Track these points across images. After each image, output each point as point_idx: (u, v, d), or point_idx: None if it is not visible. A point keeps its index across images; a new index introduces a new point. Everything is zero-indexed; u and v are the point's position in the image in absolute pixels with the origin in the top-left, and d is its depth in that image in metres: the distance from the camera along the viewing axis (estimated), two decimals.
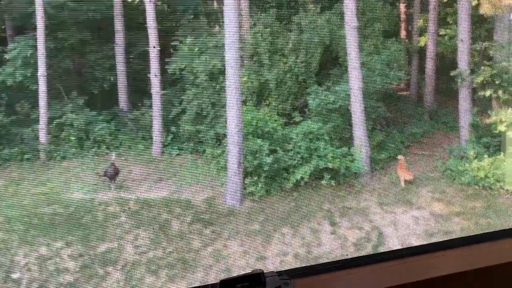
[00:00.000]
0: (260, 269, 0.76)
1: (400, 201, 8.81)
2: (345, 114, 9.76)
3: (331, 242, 8.05)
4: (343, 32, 9.88)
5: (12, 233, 7.54)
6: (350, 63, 9.46)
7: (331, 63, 10.89)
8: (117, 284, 6.83)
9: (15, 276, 6.67)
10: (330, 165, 8.96)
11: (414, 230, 8.25)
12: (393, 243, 7.80)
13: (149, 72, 11.17)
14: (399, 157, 9.42)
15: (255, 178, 9.04)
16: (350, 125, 9.63)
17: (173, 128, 10.86)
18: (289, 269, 0.80)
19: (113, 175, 8.67)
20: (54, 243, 7.35)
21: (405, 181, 9.13)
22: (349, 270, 0.88)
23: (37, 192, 8.62)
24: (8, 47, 11.06)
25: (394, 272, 0.87)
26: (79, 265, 6.91)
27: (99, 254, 7.15)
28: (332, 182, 8.99)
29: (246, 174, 9.06)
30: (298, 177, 8.89)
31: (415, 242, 7.97)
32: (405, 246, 7.78)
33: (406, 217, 8.52)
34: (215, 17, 13.10)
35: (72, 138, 10.38)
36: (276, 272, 0.79)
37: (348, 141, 9.62)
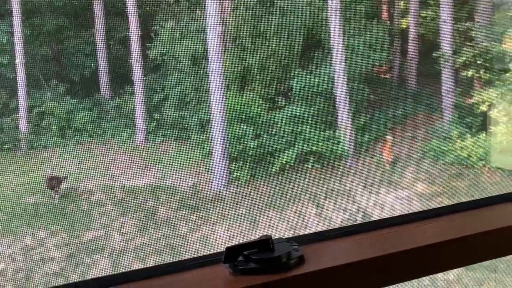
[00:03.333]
0: (268, 235, 0.75)
1: (384, 182, 8.91)
2: (329, 97, 9.77)
3: (317, 224, 8.12)
4: (326, 14, 9.84)
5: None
6: (333, 45, 9.44)
7: (314, 46, 10.85)
8: (104, 271, 6.79)
9: None
10: (314, 149, 9.00)
11: (398, 210, 8.37)
12: None
13: (130, 58, 10.99)
14: (387, 137, 9.45)
15: (241, 163, 9.03)
16: (334, 108, 9.66)
17: (156, 115, 10.74)
18: (297, 235, 0.80)
19: (51, 186, 8.05)
20: (38, 233, 7.26)
21: (389, 162, 9.22)
22: (357, 236, 0.88)
23: (19, 182, 8.48)
24: None
25: (402, 237, 0.88)
26: (65, 254, 6.84)
27: (85, 243, 7.09)
28: (317, 165, 9.03)
29: (231, 159, 9.04)
30: (283, 161, 8.91)
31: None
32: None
33: (391, 197, 8.62)
34: (196, 1, 12.92)
35: (53, 127, 10.20)
36: (286, 238, 0.78)
37: (332, 124, 9.66)
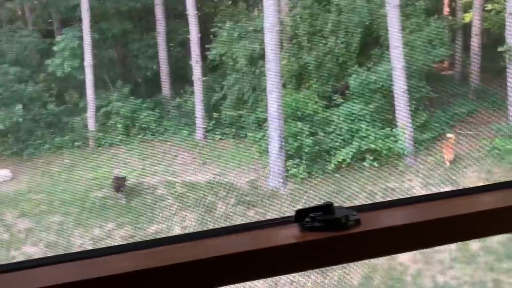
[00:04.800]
0: (330, 201, 0.88)
1: (445, 182, 8.67)
2: (387, 94, 9.63)
3: None
4: (384, 11, 9.71)
5: (67, 216, 7.96)
6: (392, 42, 9.29)
7: (371, 43, 10.73)
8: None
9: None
10: (372, 147, 8.91)
11: None
12: None
13: (190, 59, 11.37)
14: (449, 135, 9.16)
15: (297, 160, 9.10)
16: (393, 105, 9.51)
17: (215, 114, 11.05)
18: (355, 205, 0.92)
19: (117, 187, 8.35)
20: (106, 225, 7.72)
21: (449, 161, 8.94)
22: (411, 205, 0.98)
23: (88, 177, 9.03)
24: (56, 39, 11.52)
25: (446, 208, 0.98)
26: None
27: (149, 235, 7.45)
28: (375, 163, 8.93)
29: (287, 156, 9.14)
30: (340, 159, 8.89)
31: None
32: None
33: None
34: (254, 1, 13.13)
35: (119, 125, 10.75)
36: (344, 207, 0.90)
37: (390, 122, 9.51)
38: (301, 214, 0.90)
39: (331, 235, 0.88)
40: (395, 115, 9.44)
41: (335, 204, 0.95)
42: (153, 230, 7.64)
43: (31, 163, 9.63)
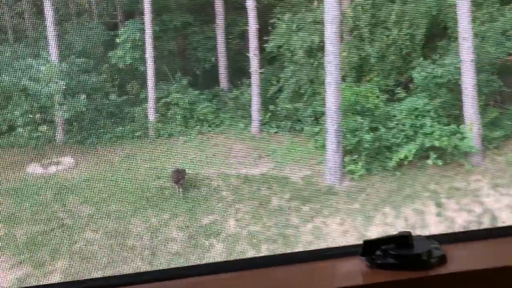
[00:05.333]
0: (407, 231, 0.70)
1: None
2: (455, 89, 9.09)
3: (437, 225, 7.63)
4: (453, 0, 9.15)
5: (126, 204, 8.17)
6: (461, 33, 8.74)
7: (438, 34, 10.17)
8: (219, 255, 7.12)
9: (129, 243, 7.24)
10: (437, 144, 8.45)
11: None
12: None
13: (248, 51, 11.31)
14: None
15: (355, 156, 8.82)
16: (460, 100, 8.95)
17: (271, 107, 10.94)
18: (437, 234, 0.73)
19: (177, 180, 8.35)
20: (162, 215, 7.84)
21: None
22: (504, 239, 0.78)
23: (147, 167, 9.22)
24: (119, 31, 11.85)
25: None
26: (185, 236, 7.30)
27: (203, 226, 7.49)
28: (439, 161, 8.47)
29: (345, 152, 8.87)
30: (402, 156, 8.50)
31: None
32: None
33: None
34: None
35: (178, 116, 10.91)
36: (426, 236, 0.72)
37: (457, 118, 8.97)
38: (370, 246, 0.72)
39: (410, 276, 0.68)
40: (463, 111, 8.90)
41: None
42: (207, 221, 7.67)
43: (93, 152, 9.98)
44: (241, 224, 7.57)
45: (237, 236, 7.32)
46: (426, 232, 7.47)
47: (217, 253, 7.15)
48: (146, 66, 11.13)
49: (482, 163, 8.55)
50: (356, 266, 0.69)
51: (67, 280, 6.49)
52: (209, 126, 10.87)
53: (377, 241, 0.67)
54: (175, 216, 7.77)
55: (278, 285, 0.68)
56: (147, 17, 11.02)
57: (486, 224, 7.41)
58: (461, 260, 0.68)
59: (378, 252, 0.68)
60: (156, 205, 8.11)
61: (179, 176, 8.36)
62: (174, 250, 7.09)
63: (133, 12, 12.54)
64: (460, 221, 7.64)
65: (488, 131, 8.87)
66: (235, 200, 8.08)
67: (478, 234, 0.77)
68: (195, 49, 13.03)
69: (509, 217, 7.56)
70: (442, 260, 0.67)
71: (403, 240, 0.67)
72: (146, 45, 11.06)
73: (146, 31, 11.06)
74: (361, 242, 0.66)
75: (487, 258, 0.73)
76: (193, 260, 6.96)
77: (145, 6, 11.06)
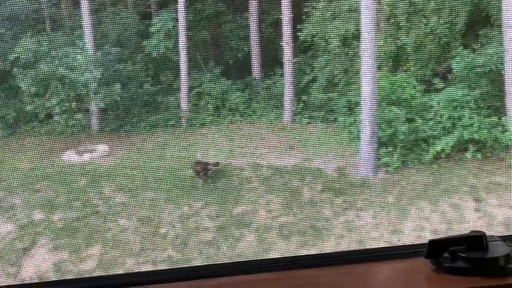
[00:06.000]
0: (481, 231, 0.61)
1: None
2: (497, 79, 8.71)
3: (476, 221, 7.37)
4: None
5: (159, 192, 8.24)
6: (505, 21, 8.34)
7: (479, 22, 9.75)
8: (250, 245, 7.10)
9: (162, 231, 7.31)
10: (476, 136, 8.14)
11: None
12: None
13: (281, 41, 11.17)
14: None
15: (390, 148, 8.60)
16: (502, 91, 8.58)
17: (304, 97, 10.79)
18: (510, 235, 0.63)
19: (199, 172, 8.27)
20: (195, 203, 7.87)
21: None
22: None
23: (180, 155, 9.27)
24: (152, 20, 11.91)
25: None
26: (217, 225, 7.31)
27: (235, 216, 7.48)
28: (478, 155, 8.16)
29: (380, 144, 8.66)
30: (439, 148, 8.23)
31: None
32: None
33: None
34: None
35: (210, 106, 10.91)
36: (501, 236, 0.63)
37: (499, 109, 8.61)
38: (436, 247, 0.63)
39: (486, 283, 0.58)
40: (505, 103, 8.52)
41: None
42: (238, 211, 7.66)
43: (127, 140, 10.11)
44: (272, 215, 7.52)
45: (268, 227, 7.28)
46: (463, 228, 7.23)
47: (248, 243, 7.12)
48: (179, 56, 11.17)
49: None
50: (419, 269, 0.60)
51: (100, 270, 6.62)
52: (241, 116, 10.83)
53: (444, 242, 0.58)
54: (206, 205, 7.79)
55: None
56: (181, 6, 11.02)
57: None
58: None
59: (445, 254, 0.59)
60: (188, 193, 8.15)
61: (199, 167, 8.31)
62: (206, 239, 7.11)
63: (167, 2, 12.57)
64: (501, 218, 7.35)
65: None
66: (267, 190, 8.02)
67: None
68: (227, 38, 12.98)
69: None
70: None
71: (476, 241, 0.58)
72: (179, 34, 11.08)
73: (179, 20, 11.06)
74: (426, 241, 0.58)
75: None
76: (224, 249, 6.97)
77: None
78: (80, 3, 11.04)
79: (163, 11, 11.90)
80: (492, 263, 0.57)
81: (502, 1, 8.43)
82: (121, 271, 6.63)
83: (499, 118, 8.41)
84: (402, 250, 0.62)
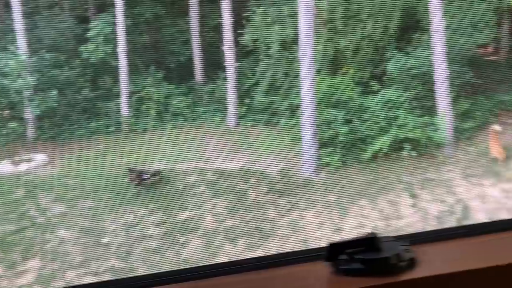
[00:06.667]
0: (374, 232, 0.66)
1: (488, 173, 8.25)
2: (428, 81, 9.22)
3: (412, 215, 7.75)
4: None
5: (100, 201, 8.02)
6: (433, 26, 8.85)
7: (412, 27, 10.28)
8: (196, 251, 7.07)
9: (104, 240, 7.12)
10: (410, 135, 8.57)
11: (504, 204, 7.72)
12: (481, 218, 7.36)
13: (222, 45, 11.23)
14: (494, 127, 8.53)
15: (331, 149, 8.87)
16: (433, 92, 9.09)
17: (247, 100, 10.90)
18: (406, 234, 0.69)
19: (133, 180, 8.10)
20: (138, 211, 7.74)
21: (502, 159, 8.26)
22: (476, 238, 0.74)
23: (121, 162, 9.07)
24: (90, 25, 11.58)
25: None
26: (162, 232, 7.23)
27: (180, 222, 7.42)
28: (413, 153, 8.60)
29: (321, 144, 8.91)
30: (377, 148, 8.59)
31: (505, 217, 7.45)
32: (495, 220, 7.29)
33: (495, 190, 7.97)
34: None
35: (152, 111, 10.76)
36: (395, 236, 0.68)
37: (430, 109, 9.11)
38: (335, 250, 0.67)
39: (377, 282, 0.62)
40: (436, 103, 9.03)
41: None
42: (184, 217, 7.61)
43: (66, 148, 9.77)
44: (218, 219, 7.54)
45: (214, 231, 7.29)
46: (401, 224, 7.59)
47: (194, 248, 7.10)
48: (118, 60, 10.93)
49: (454, 154, 8.71)
50: (319, 273, 0.64)
51: (40, 280, 6.36)
52: (185, 120, 10.76)
53: (342, 244, 0.62)
54: (150, 212, 7.68)
55: None
56: (119, 10, 10.81)
57: (458, 214, 7.56)
58: (433, 262, 0.64)
59: (343, 256, 0.63)
60: (131, 201, 8.00)
61: (135, 176, 8.11)
62: (150, 247, 7.01)
63: (104, 5, 12.27)
64: (434, 212, 7.78)
65: (460, 122, 9.04)
66: (212, 195, 8.03)
67: (451, 233, 0.73)
68: (168, 42, 12.85)
69: (481, 208, 7.74)
70: (413, 263, 0.62)
71: (370, 242, 0.62)
72: (118, 38, 10.86)
73: (118, 25, 10.84)
74: (332, 244, 0.62)
75: (461, 259, 0.69)
76: (169, 256, 6.90)
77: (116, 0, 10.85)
78: (12, 6, 10.55)
79: (101, 15, 11.61)
80: (384, 263, 0.62)
81: (430, 7, 8.93)
82: (62, 284, 6.40)
83: (431, 118, 8.90)
84: (306, 254, 0.66)
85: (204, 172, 8.55)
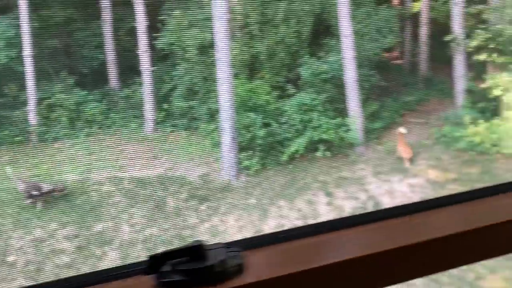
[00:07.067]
0: (199, 240, 0.64)
1: (395, 170, 8.78)
2: (339, 84, 9.63)
3: (328, 213, 8.04)
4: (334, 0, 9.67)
5: (6, 217, 7.48)
6: (342, 31, 9.27)
7: (323, 32, 10.68)
8: (114, 263, 6.81)
9: (10, 259, 6.64)
10: (324, 137, 8.90)
11: (410, 198, 8.24)
12: None
13: (138, 49, 10.94)
14: (400, 130, 9.05)
15: (250, 152, 8.97)
16: (344, 95, 9.51)
17: (165, 105, 10.71)
18: (238, 240, 0.68)
19: (29, 195, 7.50)
20: (48, 225, 7.30)
21: (409, 160, 8.78)
22: (320, 236, 0.76)
23: (30, 174, 8.52)
24: None
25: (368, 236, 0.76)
26: (75, 246, 6.88)
27: (95, 234, 7.11)
28: (327, 153, 8.93)
29: (240, 148, 8.98)
30: (293, 149, 8.83)
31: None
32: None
33: (402, 185, 8.50)
34: None
35: (63, 118, 10.22)
36: (225, 243, 0.67)
37: (342, 111, 9.52)
38: (156, 262, 0.63)
39: None
40: (347, 105, 9.46)
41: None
42: (99, 229, 7.30)
43: None
44: (135, 229, 7.32)
45: (132, 241, 7.07)
46: (320, 221, 7.84)
47: (111, 261, 6.83)
48: (24, 66, 10.27)
49: (365, 153, 9.17)
50: (141, 287, 0.61)
51: None
52: (99, 127, 10.33)
53: (164, 255, 0.60)
54: (62, 226, 7.28)
55: None
56: (23, 12, 10.16)
57: (370, 209, 7.97)
58: (261, 267, 0.63)
59: (166, 268, 0.61)
60: (40, 215, 7.53)
61: (29, 189, 7.48)
62: (63, 263, 6.64)
63: (6, 7, 11.48)
64: (348, 209, 8.13)
65: (369, 123, 9.54)
66: (129, 204, 7.78)
67: (283, 236, 0.73)
68: (81, 46, 12.29)
69: (391, 202, 8.21)
70: (240, 269, 0.61)
71: (195, 251, 0.61)
72: (24, 43, 10.20)
73: (22, 28, 10.19)
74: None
75: (290, 262, 0.69)
76: (85, 270, 6.57)
77: (19, 0, 10.18)
78: None
79: (1, 17, 10.85)
80: (208, 271, 0.60)
81: (338, 12, 9.35)
82: None
83: (343, 119, 9.31)
84: (132, 268, 0.63)
85: (120, 181, 8.27)
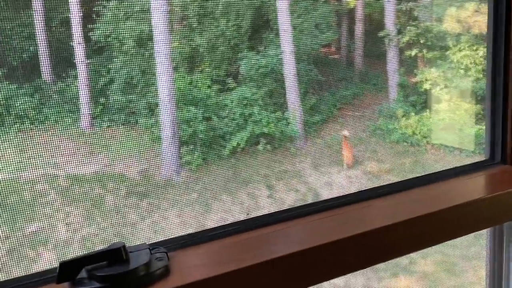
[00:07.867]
0: (121, 242, 0.61)
1: (333, 162, 9.04)
2: (279, 78, 9.75)
3: (269, 206, 8.16)
4: None
5: None
6: (281, 25, 9.38)
7: (263, 26, 10.74)
8: (49, 264, 6.54)
9: None
10: (265, 130, 8.99)
11: (348, 188, 8.53)
12: None
13: (72, 41, 10.49)
14: (344, 133, 9.23)
15: (191, 147, 8.90)
16: (284, 89, 9.65)
17: (102, 99, 10.36)
18: (164, 240, 0.66)
19: None
20: None
21: (349, 164, 8.97)
22: (253, 232, 0.75)
23: None
24: None
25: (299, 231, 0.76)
26: (6, 249, 6.53)
27: (28, 235, 6.78)
28: (268, 147, 9.03)
29: (181, 143, 8.88)
30: (235, 143, 8.85)
31: None
32: None
33: (340, 176, 8.78)
34: None
35: None
36: (150, 244, 0.64)
37: (282, 105, 9.66)
38: (69, 269, 0.59)
39: None
40: (286, 99, 9.60)
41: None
42: (33, 230, 6.97)
43: None
44: (72, 228, 7.06)
45: (68, 241, 6.81)
46: (260, 214, 7.93)
47: (46, 262, 6.55)
48: None
49: (305, 146, 9.37)
50: None
51: None
52: (31, 123, 9.83)
53: (78, 261, 0.56)
54: None
55: None
56: None
57: (310, 201, 8.16)
58: (188, 269, 0.62)
59: (83, 275, 0.57)
60: None
61: None
62: None
63: None
64: (289, 201, 8.29)
65: (309, 116, 9.75)
66: (64, 203, 7.49)
67: (212, 234, 0.72)
68: (9, 37, 11.61)
69: (330, 194, 8.45)
70: (166, 272, 0.59)
71: (115, 254, 0.57)
72: None
73: None
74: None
75: (220, 262, 0.68)
76: (17, 273, 6.26)
77: None
78: None
79: None
80: (130, 276, 0.58)
81: (277, 7, 9.44)
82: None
83: (283, 113, 9.45)
84: (44, 276, 0.60)
85: (54, 179, 7.93)
